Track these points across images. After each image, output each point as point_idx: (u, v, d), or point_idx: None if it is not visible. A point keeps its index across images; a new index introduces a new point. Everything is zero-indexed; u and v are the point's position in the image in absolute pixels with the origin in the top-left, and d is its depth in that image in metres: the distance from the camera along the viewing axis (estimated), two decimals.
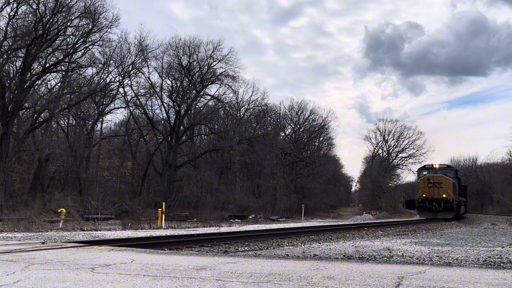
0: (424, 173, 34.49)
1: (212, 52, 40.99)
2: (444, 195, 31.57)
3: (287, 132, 58.16)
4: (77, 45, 32.13)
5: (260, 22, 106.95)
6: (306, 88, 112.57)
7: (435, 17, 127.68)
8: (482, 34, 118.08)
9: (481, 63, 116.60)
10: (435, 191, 32.01)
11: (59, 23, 30.09)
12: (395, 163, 68.38)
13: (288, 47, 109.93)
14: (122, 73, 37.17)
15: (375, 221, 30.63)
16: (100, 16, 31.42)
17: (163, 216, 19.31)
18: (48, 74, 32.59)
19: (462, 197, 39.00)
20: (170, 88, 41.62)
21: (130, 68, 37.51)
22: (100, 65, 35.73)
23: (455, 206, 31.84)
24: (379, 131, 68.25)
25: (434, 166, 34.74)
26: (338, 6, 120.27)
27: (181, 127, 41.74)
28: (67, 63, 32.33)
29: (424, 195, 32.14)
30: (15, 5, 28.53)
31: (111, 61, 36.41)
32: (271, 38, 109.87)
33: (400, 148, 67.33)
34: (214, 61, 41.46)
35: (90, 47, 33.12)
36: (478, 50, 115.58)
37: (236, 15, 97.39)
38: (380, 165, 66.80)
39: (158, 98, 41.09)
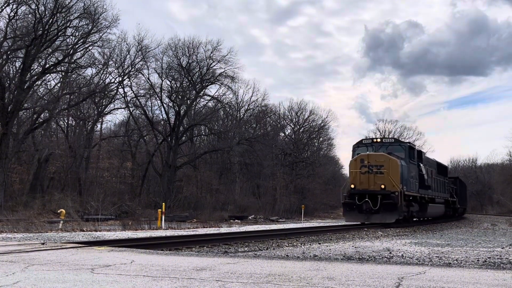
0: (359, 152, 22.17)
1: (211, 52, 41.03)
2: (383, 186, 19.88)
3: (287, 133, 58.18)
4: (76, 46, 32.17)
5: (258, 21, 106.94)
6: (305, 88, 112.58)
7: (435, 16, 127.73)
8: (482, 33, 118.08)
9: (481, 63, 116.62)
10: (371, 179, 20.29)
11: (58, 23, 30.13)
12: None
13: (287, 47, 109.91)
14: (122, 73, 37.19)
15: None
16: (100, 17, 31.48)
17: (163, 217, 19.31)
18: (48, 74, 32.64)
19: (441, 191, 28.98)
20: (169, 88, 41.65)
21: (129, 69, 37.55)
22: (100, 66, 35.76)
23: (402, 203, 19.95)
24: (379, 131, 68.15)
25: (375, 140, 22.89)
26: (336, 5, 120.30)
27: (181, 127, 41.73)
28: (66, 64, 32.35)
29: (353, 186, 20.53)
30: (14, 5, 28.58)
31: (111, 62, 36.45)
32: (270, 37, 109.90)
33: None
34: (213, 62, 41.50)
35: (90, 47, 33.18)
36: (478, 50, 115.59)
37: (234, 15, 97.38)
38: None
39: (157, 98, 41.11)
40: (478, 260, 7.54)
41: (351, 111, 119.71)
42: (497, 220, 35.88)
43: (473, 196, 68.84)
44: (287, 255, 8.19)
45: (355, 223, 20.42)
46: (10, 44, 29.06)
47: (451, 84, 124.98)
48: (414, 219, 24.22)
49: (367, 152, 21.24)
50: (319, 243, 11.33)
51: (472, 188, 68.36)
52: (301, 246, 10.45)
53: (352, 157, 22.51)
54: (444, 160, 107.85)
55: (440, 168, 30.80)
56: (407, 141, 29.11)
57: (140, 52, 37.50)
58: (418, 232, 17.09)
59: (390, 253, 8.78)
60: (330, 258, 7.65)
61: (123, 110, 41.58)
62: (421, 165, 23.60)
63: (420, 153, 24.81)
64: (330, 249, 9.52)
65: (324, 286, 4.31)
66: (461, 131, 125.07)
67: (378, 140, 22.53)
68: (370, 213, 19.77)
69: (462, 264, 6.91)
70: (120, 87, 37.89)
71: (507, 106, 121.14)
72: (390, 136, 27.33)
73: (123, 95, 38.82)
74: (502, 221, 33.14)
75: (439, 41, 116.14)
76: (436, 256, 8.17)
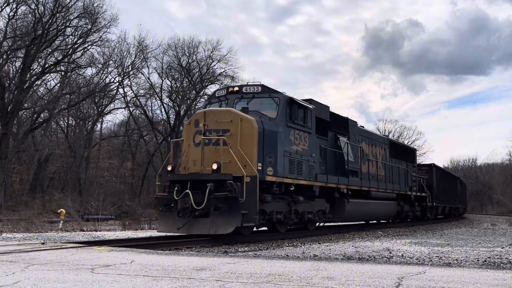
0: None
1: (211, 52, 40.99)
2: (215, 165, 10.77)
3: None
4: (76, 46, 32.20)
5: (257, 20, 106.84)
6: (305, 88, 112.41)
7: (435, 15, 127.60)
8: (483, 32, 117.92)
9: (482, 62, 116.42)
10: (207, 155, 11.20)
11: (58, 23, 30.17)
12: None
13: (286, 46, 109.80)
14: (122, 73, 37.21)
15: None
16: (99, 16, 31.51)
17: None
18: (48, 74, 32.68)
19: (395, 182, 20.29)
20: (169, 88, 41.64)
21: (129, 69, 37.57)
22: (100, 66, 35.79)
23: (254, 197, 10.62)
24: (379, 131, 68.19)
25: (231, 90, 13.11)
26: (336, 4, 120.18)
27: (181, 127, 41.74)
28: (66, 64, 32.39)
29: (170, 168, 11.91)
30: (14, 5, 28.61)
31: (111, 62, 36.47)
32: (269, 37, 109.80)
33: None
34: (213, 62, 41.48)
35: (89, 47, 33.21)
36: (478, 49, 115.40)
37: (233, 14, 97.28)
38: None
39: (157, 98, 41.09)
40: (478, 260, 7.54)
41: (350, 111, 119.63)
42: (497, 220, 35.87)
43: (473, 196, 68.88)
44: (287, 255, 8.19)
45: (172, 233, 11.23)
46: (10, 44, 29.09)
47: (451, 84, 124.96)
48: (320, 224, 15.36)
49: (205, 109, 12.60)
50: (319, 243, 11.34)
51: (472, 188, 68.40)
52: (301, 246, 10.46)
53: None
54: (444, 160, 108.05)
55: (397, 149, 22.10)
56: (348, 116, 17.34)
57: (140, 52, 37.55)
58: (418, 232, 17.10)
59: (390, 253, 8.78)
60: (330, 258, 7.65)
61: (123, 110, 41.55)
62: (340, 137, 15.51)
63: (338, 119, 16.03)
64: (330, 249, 9.52)
65: (324, 286, 4.31)
66: (461, 131, 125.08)
67: (236, 89, 12.85)
68: (195, 217, 10.42)
69: (462, 264, 6.91)
70: (120, 87, 37.93)
71: (507, 106, 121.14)
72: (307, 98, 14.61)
73: (123, 95, 38.86)
74: (502, 221, 33.14)
75: (439, 40, 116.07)
76: (436, 256, 8.17)
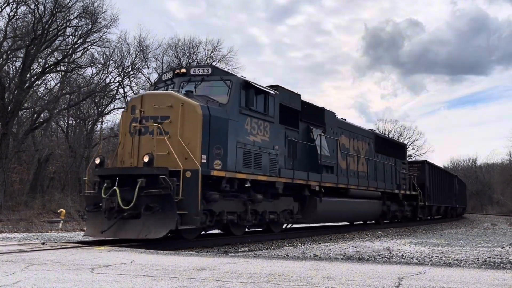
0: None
1: (212, 52, 41.00)
2: (146, 158, 8.97)
3: None
4: (76, 46, 32.20)
5: (256, 20, 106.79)
6: (305, 88, 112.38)
7: (435, 15, 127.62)
8: (483, 32, 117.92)
9: (482, 62, 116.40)
10: (144, 145, 9.63)
11: (58, 23, 30.16)
12: None
13: (286, 46, 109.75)
14: (122, 73, 37.21)
15: None
16: (99, 16, 31.53)
17: None
18: (48, 74, 32.65)
19: (380, 179, 18.64)
20: None
21: (130, 69, 37.58)
22: (100, 66, 35.79)
23: (194, 195, 9.03)
24: (379, 131, 68.15)
25: (178, 71, 11.27)
26: (336, 4, 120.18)
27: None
28: (66, 64, 32.39)
29: (98, 161, 10.00)
30: (14, 5, 28.60)
31: (111, 62, 36.47)
32: (268, 36, 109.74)
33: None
34: (213, 62, 41.47)
35: (89, 47, 33.22)
36: (479, 49, 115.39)
37: (233, 13, 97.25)
38: None
39: None
40: (478, 260, 7.54)
41: (350, 111, 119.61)
42: (497, 220, 35.87)
43: (473, 196, 68.88)
44: (287, 255, 8.19)
45: (98, 238, 9.75)
46: (10, 44, 29.08)
47: (452, 84, 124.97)
48: (290, 225, 13.89)
49: (143, 93, 10.94)
50: (319, 243, 11.35)
51: (472, 188, 68.40)
52: (301, 246, 10.46)
53: None
54: (444, 160, 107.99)
55: (384, 144, 20.57)
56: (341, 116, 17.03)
57: (141, 52, 37.55)
58: (418, 232, 17.10)
59: (390, 252, 8.78)
60: (330, 258, 7.66)
61: (123, 110, 41.53)
62: (314, 129, 14.10)
63: (312, 109, 14.36)
64: (330, 249, 9.52)
65: (324, 286, 4.32)
66: (461, 131, 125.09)
67: (183, 70, 11.22)
68: (124, 218, 8.88)
69: (462, 264, 6.91)
70: (120, 87, 37.90)
71: (507, 106, 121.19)
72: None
73: (123, 95, 38.83)
74: (502, 221, 33.14)
75: (439, 39, 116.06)
76: (436, 256, 8.17)
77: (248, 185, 10.62)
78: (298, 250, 9.50)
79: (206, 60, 41.20)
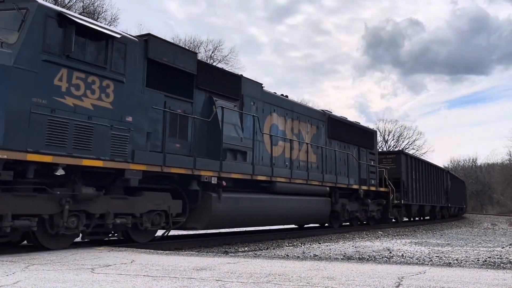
0: None
1: (212, 52, 41.12)
2: None
3: None
4: None
5: (256, 19, 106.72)
6: (304, 88, 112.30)
7: (435, 14, 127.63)
8: (483, 31, 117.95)
9: (482, 61, 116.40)
10: None
11: None
12: None
13: (285, 45, 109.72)
14: None
15: None
16: (100, 16, 31.53)
17: None
18: None
19: (324, 171, 14.98)
20: None
21: None
22: None
23: None
24: (379, 131, 68.25)
25: None
26: (335, 4, 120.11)
27: None
28: None
29: None
30: None
31: None
32: (268, 36, 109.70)
33: (400, 148, 67.41)
34: (214, 62, 41.50)
35: None
36: (479, 48, 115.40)
37: (233, 13, 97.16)
38: None
39: None
40: (478, 260, 7.54)
41: (350, 110, 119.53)
42: (497, 220, 35.88)
43: (473, 196, 68.90)
44: (287, 255, 8.20)
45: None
46: None
47: (452, 83, 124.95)
48: (166, 233, 10.06)
49: None
50: (319, 243, 11.34)
51: (472, 188, 68.42)
52: (301, 246, 10.46)
53: None
54: (444, 160, 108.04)
55: (342, 129, 16.91)
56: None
57: None
58: (418, 232, 17.10)
59: (390, 252, 8.79)
60: (330, 258, 7.66)
61: None
62: (219, 101, 10.91)
63: (218, 74, 11.40)
64: (330, 249, 9.53)
65: (324, 285, 4.31)
66: (461, 131, 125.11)
67: None
68: None
69: (462, 264, 6.92)
70: None
71: (507, 105, 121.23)
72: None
73: None
74: (502, 221, 33.16)
75: (440, 39, 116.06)
76: (436, 256, 8.17)
77: (60, 172, 7.30)
78: (298, 250, 9.50)
79: (207, 60, 41.24)
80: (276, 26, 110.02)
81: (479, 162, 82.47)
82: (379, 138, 64.43)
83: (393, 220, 20.98)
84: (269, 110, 12.97)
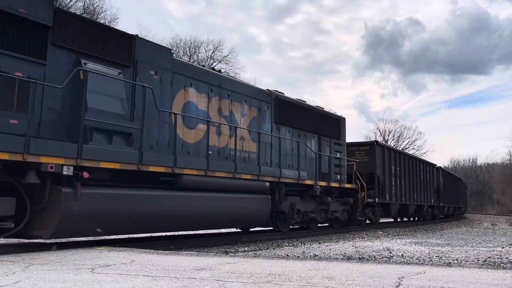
0: None
1: (213, 52, 41.13)
2: None
3: None
4: None
5: (256, 19, 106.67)
6: (304, 87, 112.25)
7: (435, 14, 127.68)
8: (483, 31, 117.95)
9: (482, 61, 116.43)
10: None
11: None
12: None
13: (285, 45, 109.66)
14: None
15: None
16: (99, 16, 31.55)
17: None
18: None
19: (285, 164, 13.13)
20: None
21: None
22: None
23: None
24: (379, 131, 68.18)
25: None
26: (335, 3, 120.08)
27: None
28: None
29: None
30: None
31: None
32: (267, 36, 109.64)
33: (400, 148, 67.44)
34: (214, 62, 41.54)
35: None
36: (479, 48, 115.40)
37: (232, 12, 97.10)
38: None
39: None
40: (478, 260, 7.54)
41: (350, 110, 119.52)
42: (497, 220, 35.89)
43: (473, 196, 68.91)
44: (287, 255, 8.20)
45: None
46: None
47: (452, 83, 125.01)
48: None
49: None
50: (319, 243, 11.34)
51: (472, 188, 68.43)
52: (301, 246, 10.46)
53: None
54: (444, 160, 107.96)
55: (295, 113, 14.28)
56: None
57: None
58: (418, 232, 17.10)
59: (390, 252, 8.79)
60: (330, 258, 7.66)
61: None
62: (90, 65, 8.16)
63: (92, 28, 8.46)
64: (330, 249, 9.53)
65: (324, 285, 4.31)
66: (461, 131, 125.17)
67: None
68: None
69: (462, 264, 6.92)
70: None
71: (507, 105, 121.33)
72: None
73: None
74: (502, 221, 33.16)
75: (440, 39, 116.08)
76: (436, 256, 8.18)
77: None
78: (298, 250, 9.50)
79: (207, 60, 41.25)
80: (276, 26, 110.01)
81: (479, 162, 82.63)
82: (379, 138, 64.40)
83: (367, 222, 18.58)
84: (183, 84, 10.30)
